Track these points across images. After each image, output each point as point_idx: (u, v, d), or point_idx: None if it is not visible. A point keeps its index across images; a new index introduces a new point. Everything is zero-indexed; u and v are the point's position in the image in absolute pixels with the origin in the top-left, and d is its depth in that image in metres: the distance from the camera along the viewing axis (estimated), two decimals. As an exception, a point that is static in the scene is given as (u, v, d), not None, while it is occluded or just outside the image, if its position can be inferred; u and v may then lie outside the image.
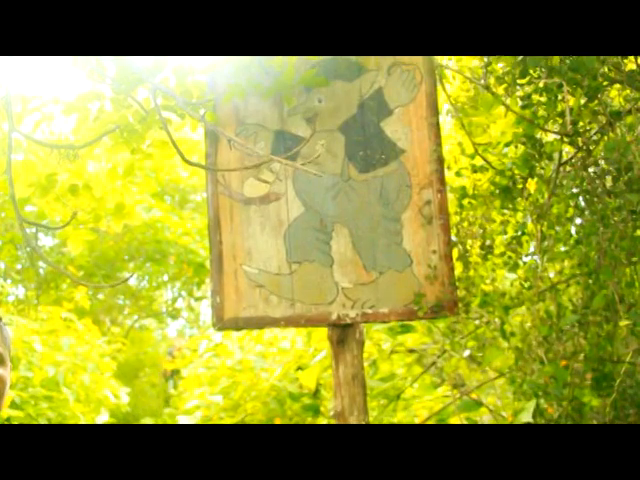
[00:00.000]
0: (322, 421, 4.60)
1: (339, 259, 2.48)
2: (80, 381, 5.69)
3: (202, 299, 12.69)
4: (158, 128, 2.37)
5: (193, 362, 6.86)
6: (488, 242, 2.81)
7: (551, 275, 3.16)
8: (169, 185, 11.43)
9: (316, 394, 4.67)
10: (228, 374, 5.22)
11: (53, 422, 5.38)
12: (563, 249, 3.00)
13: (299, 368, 4.73)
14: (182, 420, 5.39)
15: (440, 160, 2.64)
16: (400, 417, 4.47)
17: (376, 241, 2.51)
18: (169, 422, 7.95)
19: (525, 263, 3.04)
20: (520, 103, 2.59)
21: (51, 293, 10.95)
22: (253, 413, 4.88)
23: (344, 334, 2.46)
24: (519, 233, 2.98)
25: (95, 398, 5.94)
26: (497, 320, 3.12)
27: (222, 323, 2.39)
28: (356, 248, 2.49)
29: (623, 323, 2.49)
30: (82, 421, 5.61)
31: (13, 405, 4.58)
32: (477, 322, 3.16)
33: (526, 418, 2.59)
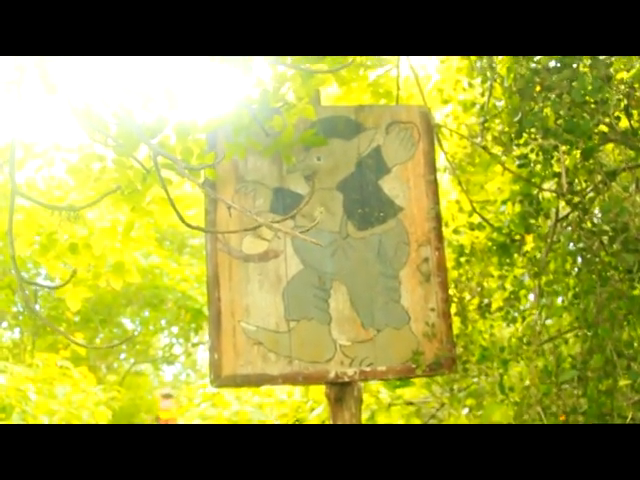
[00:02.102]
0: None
1: (337, 316, 2.48)
2: (74, 430, 5.62)
3: (199, 345, 12.62)
4: (159, 186, 2.39)
5: (189, 411, 6.79)
6: (486, 300, 2.82)
7: (549, 322, 3.16)
8: (168, 230, 11.47)
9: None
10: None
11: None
12: (561, 300, 3.01)
13: (296, 421, 4.68)
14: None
15: (438, 217, 2.66)
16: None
17: (374, 298, 2.52)
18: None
19: (524, 318, 3.05)
20: (517, 162, 2.63)
21: (47, 338, 10.88)
22: (249, 466, 4.80)
23: (342, 392, 2.45)
24: (517, 289, 2.99)
25: (89, 448, 5.86)
26: (496, 374, 3.10)
27: (220, 380, 2.38)
28: (354, 305, 2.50)
29: (623, 382, 2.49)
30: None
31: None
32: (475, 380, 3.14)
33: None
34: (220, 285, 2.45)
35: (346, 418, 2.45)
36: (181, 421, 7.44)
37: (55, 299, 10.23)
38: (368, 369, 2.45)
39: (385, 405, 3.99)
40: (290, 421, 4.68)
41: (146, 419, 12.05)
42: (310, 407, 4.40)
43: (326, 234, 2.54)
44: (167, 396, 11.53)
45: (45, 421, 5.23)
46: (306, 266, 2.50)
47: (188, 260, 10.86)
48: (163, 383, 14.46)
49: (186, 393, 9.63)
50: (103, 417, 6.43)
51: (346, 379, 2.43)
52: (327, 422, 4.40)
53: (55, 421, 5.45)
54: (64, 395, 5.75)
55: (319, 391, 4.12)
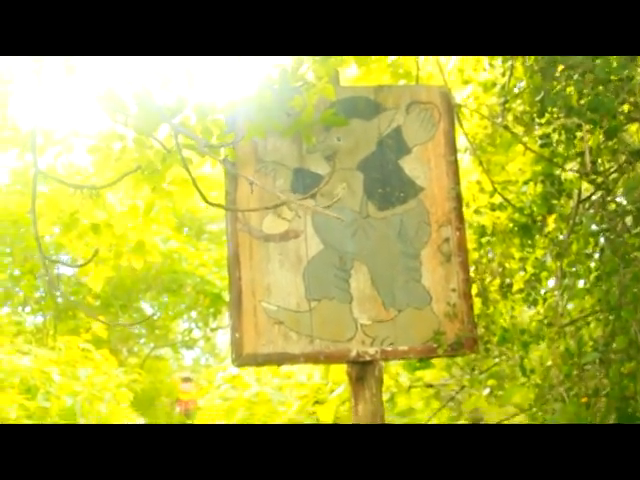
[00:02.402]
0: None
1: (358, 296, 2.48)
2: (97, 411, 5.70)
3: (218, 329, 12.69)
4: (179, 166, 2.40)
5: (209, 393, 6.85)
6: (507, 280, 2.80)
7: (570, 306, 3.14)
8: (186, 216, 11.52)
9: (333, 428, 4.63)
10: (245, 406, 5.19)
11: (69, 453, 5.38)
12: (582, 282, 2.98)
13: (316, 402, 4.69)
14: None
15: (458, 198, 2.65)
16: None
17: (395, 278, 2.52)
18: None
19: (545, 300, 3.02)
20: (539, 142, 2.60)
21: (68, 322, 11.01)
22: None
23: (363, 371, 2.46)
24: (538, 270, 2.96)
25: (111, 429, 5.94)
26: (517, 356, 3.09)
27: (241, 359, 2.40)
28: (375, 285, 2.50)
29: (646, 364, 2.47)
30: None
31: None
32: (497, 360, 3.13)
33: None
34: (241, 265, 2.46)
35: (367, 397, 2.46)
36: (202, 402, 7.50)
37: (76, 284, 10.34)
38: (389, 348, 2.46)
39: (405, 387, 3.99)
40: (310, 403, 4.70)
41: (166, 402, 12.16)
42: (330, 388, 4.41)
43: (347, 214, 2.54)
44: (186, 380, 11.64)
45: (69, 402, 5.31)
46: (326, 246, 2.51)
47: (206, 245, 10.91)
48: (182, 367, 14.57)
49: (205, 376, 9.70)
50: (125, 399, 6.51)
51: (367, 358, 2.44)
52: (348, 403, 4.42)
53: (78, 402, 5.52)
54: (87, 377, 5.82)
55: (339, 372, 4.14)
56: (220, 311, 10.98)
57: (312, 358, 2.45)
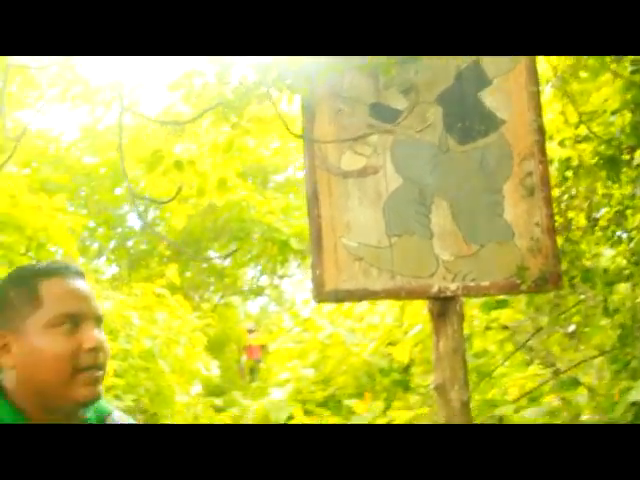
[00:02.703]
0: (411, 397, 4.59)
1: (439, 231, 2.45)
2: (174, 353, 5.91)
3: (285, 277, 12.90)
4: (256, 103, 2.39)
5: (280, 337, 7.00)
6: (592, 216, 2.71)
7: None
8: (252, 166, 11.60)
9: (406, 370, 4.67)
10: (318, 348, 5.28)
11: (151, 392, 5.62)
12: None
13: (390, 343, 4.73)
14: (275, 393, 5.51)
15: (541, 130, 2.55)
16: (492, 394, 4.41)
17: (476, 213, 2.47)
18: (257, 397, 8.16)
19: (631, 238, 2.92)
20: (630, 68, 2.46)
21: (141, 271, 11.38)
22: (343, 387, 4.93)
23: (444, 307, 2.44)
24: (624, 206, 2.86)
25: (188, 370, 6.16)
26: (599, 296, 3.01)
27: (322, 296, 2.42)
28: (456, 220, 2.46)
29: None
30: (177, 392, 5.83)
31: (115, 373, 4.81)
32: (582, 297, 3.06)
33: (635, 397, 2.50)
34: (320, 202, 2.45)
35: (449, 334, 2.45)
36: (273, 347, 7.69)
37: (148, 234, 10.63)
38: (471, 284, 2.42)
39: (481, 328, 3.97)
40: (383, 344, 4.74)
41: (234, 349, 12.48)
42: (404, 330, 4.43)
43: (426, 148, 2.49)
44: (252, 330, 11.93)
45: (148, 344, 5.51)
46: (406, 181, 2.47)
47: (272, 194, 10.99)
48: (249, 316, 14.91)
49: (275, 321, 9.91)
50: (199, 342, 6.73)
51: (449, 294, 2.42)
52: (420, 345, 4.44)
53: (157, 345, 5.73)
54: (163, 321, 6.03)
55: (414, 314, 4.15)
56: (287, 259, 11.13)
57: (393, 294, 2.45)
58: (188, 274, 11.75)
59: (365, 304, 5.32)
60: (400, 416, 3.60)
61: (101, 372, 1.55)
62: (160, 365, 5.56)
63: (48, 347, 1.48)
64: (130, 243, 11.85)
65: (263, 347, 10.81)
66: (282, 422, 5.17)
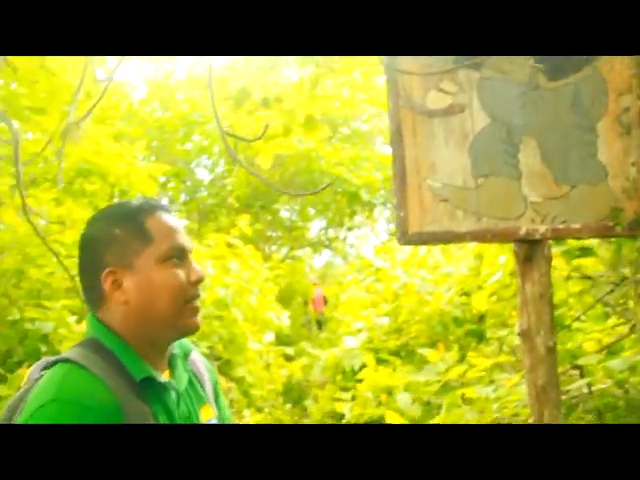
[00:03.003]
0: (484, 348, 4.54)
1: (527, 172, 2.36)
2: (247, 302, 6.02)
3: (353, 229, 12.87)
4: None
5: (351, 287, 7.03)
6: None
7: None
8: (321, 118, 11.50)
9: (481, 320, 4.62)
10: (390, 298, 5.28)
11: (224, 339, 5.76)
12: None
13: (464, 293, 4.68)
14: (348, 341, 5.56)
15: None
16: (569, 346, 4.32)
17: (568, 153, 2.36)
18: (325, 347, 8.27)
19: None
20: None
21: (210, 225, 11.59)
22: (417, 336, 4.92)
23: (532, 250, 2.37)
24: None
25: (261, 319, 6.28)
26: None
27: (406, 238, 2.38)
28: (546, 160, 2.36)
29: None
30: (250, 339, 5.96)
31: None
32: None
33: None
34: (404, 143, 2.40)
35: (535, 278, 2.38)
36: (344, 296, 7.74)
37: (218, 186, 10.79)
38: (561, 226, 2.34)
39: (562, 277, 3.86)
40: (458, 294, 4.69)
41: (301, 302, 12.62)
42: (481, 279, 4.36)
43: (514, 86, 2.38)
44: (315, 284, 12.03)
45: (221, 293, 5.63)
46: (494, 120, 2.38)
47: (341, 145, 10.91)
48: (314, 270, 15.01)
49: (347, 272, 9.93)
50: (271, 292, 6.84)
51: (537, 236, 2.34)
52: (496, 296, 4.36)
53: (229, 294, 5.85)
54: (236, 271, 6.14)
55: (493, 259, 4.07)
56: (355, 211, 11.09)
57: (479, 236, 2.38)
58: (256, 228, 11.90)
59: (439, 254, 5.27)
60: (480, 363, 3.56)
61: (199, 303, 1.60)
62: (233, 313, 5.68)
63: (163, 280, 1.51)
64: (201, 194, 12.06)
65: (326, 300, 10.92)
66: (355, 370, 5.23)
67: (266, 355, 6.27)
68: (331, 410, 6.32)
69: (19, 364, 3.99)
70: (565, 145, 2.36)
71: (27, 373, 1.67)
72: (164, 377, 1.58)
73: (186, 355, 1.72)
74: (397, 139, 2.40)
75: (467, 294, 4.63)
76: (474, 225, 2.35)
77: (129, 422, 1.43)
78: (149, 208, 1.62)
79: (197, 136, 10.99)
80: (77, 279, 3.23)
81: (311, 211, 12.63)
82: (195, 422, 1.63)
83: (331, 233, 13.76)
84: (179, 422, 1.57)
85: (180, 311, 1.52)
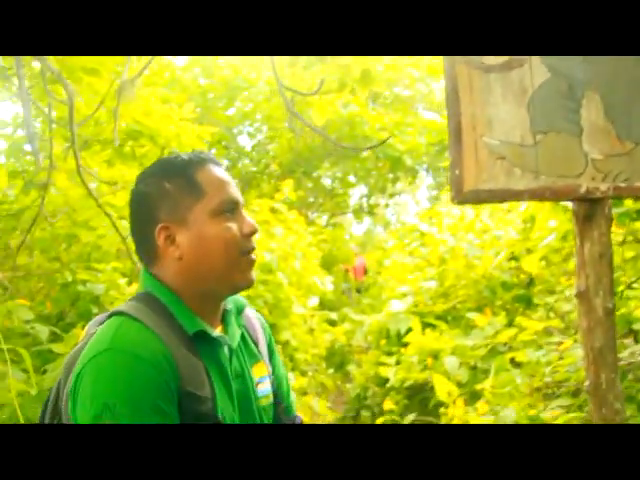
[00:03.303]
0: (532, 314, 4.48)
1: (589, 128, 2.28)
2: (292, 267, 6.05)
3: (395, 195, 12.77)
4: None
5: (395, 253, 6.99)
6: None
7: None
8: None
9: (529, 285, 4.55)
10: (436, 263, 5.23)
11: (269, 304, 5.80)
12: None
13: (513, 258, 4.61)
14: (394, 305, 5.55)
15: None
16: (622, 311, 4.23)
17: (632, 108, 2.27)
18: (368, 313, 8.29)
19: None
20: None
21: (252, 192, 11.63)
22: (464, 301, 4.88)
23: (592, 209, 2.30)
24: None
25: (305, 283, 6.31)
26: None
27: (461, 196, 2.33)
28: (608, 116, 2.27)
29: None
30: (295, 304, 6.00)
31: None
32: None
33: None
34: (460, 99, 2.33)
35: (595, 238, 2.32)
36: (388, 262, 7.71)
37: (261, 151, 10.80)
38: (623, 185, 2.26)
39: (616, 241, 3.75)
40: (507, 257, 4.61)
41: (341, 270, 12.64)
42: (531, 242, 4.28)
43: (577, 38, 2.29)
44: (355, 252, 12.00)
45: (267, 257, 5.66)
46: (554, 74, 2.30)
47: (385, 110, 10.77)
48: (353, 238, 14.99)
49: (385, 240, 9.89)
50: (314, 257, 6.85)
51: (598, 195, 2.27)
52: (543, 262, 4.28)
53: (274, 258, 5.87)
54: (281, 235, 6.16)
55: (543, 222, 3.99)
56: (399, 178, 10.98)
57: (537, 195, 2.32)
58: (298, 194, 11.90)
59: (488, 218, 5.19)
60: (531, 326, 3.52)
61: (255, 257, 1.58)
62: (278, 278, 5.71)
63: (217, 234, 1.51)
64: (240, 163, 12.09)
65: (366, 270, 10.91)
66: (401, 334, 5.23)
67: (310, 320, 6.31)
68: (375, 374, 6.35)
69: (71, 326, 4.08)
70: (629, 100, 2.27)
71: (84, 330, 1.70)
72: (220, 333, 1.59)
73: (240, 311, 1.72)
74: (453, 96, 2.34)
75: (516, 258, 4.56)
76: (532, 183, 2.28)
77: (182, 374, 1.44)
78: (199, 161, 1.60)
79: (239, 102, 10.98)
80: (129, 240, 3.27)
81: (352, 179, 12.56)
82: (247, 379, 1.64)
83: (372, 201, 13.68)
84: (231, 378, 1.57)
85: (234, 265, 1.51)
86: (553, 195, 2.32)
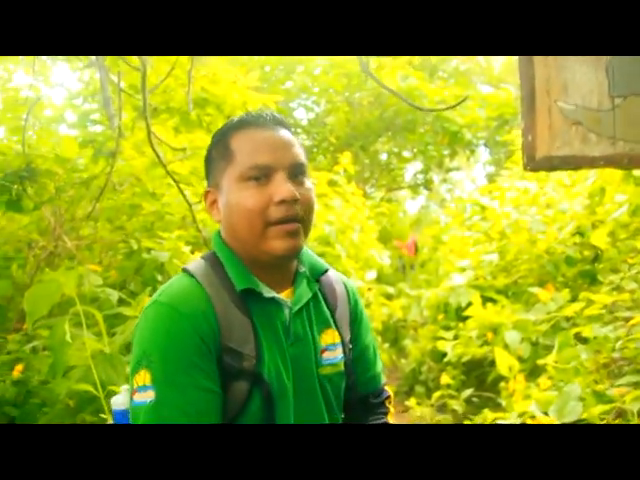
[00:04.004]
0: (598, 290, 4.37)
1: (671, 91, 2.18)
2: (350, 240, 6.04)
3: (452, 170, 12.56)
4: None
5: (452, 228, 6.92)
6: None
7: None
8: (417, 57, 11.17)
9: (595, 260, 4.43)
10: (497, 237, 5.15)
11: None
12: None
13: (578, 232, 4.49)
14: (455, 278, 5.49)
15: None
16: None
17: None
18: (423, 287, 8.24)
19: None
20: None
21: (309, 165, 11.64)
22: (525, 275, 4.79)
23: (671, 177, 2.22)
24: None
25: (363, 256, 6.30)
26: None
27: (534, 163, 2.28)
28: (692, 79, 2.18)
29: None
30: (353, 276, 6.00)
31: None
32: None
33: None
34: (534, 62, 2.27)
35: (673, 206, 2.24)
36: (446, 237, 7.64)
37: (319, 124, 10.78)
38: None
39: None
40: (570, 233, 4.50)
41: (395, 245, 12.57)
42: (599, 217, 4.16)
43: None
44: (412, 229, 11.88)
45: (326, 230, 5.67)
46: (635, 36, 2.21)
47: (442, 84, 10.61)
48: (407, 215, 14.85)
49: (446, 213, 9.77)
50: (372, 230, 6.83)
51: (679, 162, 2.19)
52: (617, 232, 4.16)
53: (332, 231, 5.87)
54: (339, 208, 6.15)
55: (610, 197, 3.88)
56: (457, 152, 10.81)
57: (614, 161, 2.25)
58: (355, 168, 11.84)
59: (552, 191, 5.06)
60: (599, 300, 3.44)
61: (297, 224, 1.49)
62: (337, 250, 5.71)
63: (240, 201, 1.48)
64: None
65: (417, 248, 10.83)
66: (462, 307, 5.18)
67: (367, 293, 6.31)
68: (431, 349, 6.32)
69: (135, 294, 4.18)
70: None
71: None
72: (275, 294, 1.57)
73: (315, 275, 1.70)
74: (526, 59, 2.28)
75: (581, 233, 4.44)
76: (608, 149, 2.21)
77: (223, 331, 1.45)
78: (238, 125, 1.56)
79: (296, 76, 10.97)
80: (194, 208, 3.30)
81: (407, 154, 12.43)
82: (310, 345, 1.60)
83: (428, 176, 13.53)
84: (285, 340, 1.55)
85: (260, 234, 1.47)
86: (631, 162, 2.24)
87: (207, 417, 1.41)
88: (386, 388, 1.83)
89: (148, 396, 1.38)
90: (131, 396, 1.43)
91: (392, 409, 1.80)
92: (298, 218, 1.48)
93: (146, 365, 1.39)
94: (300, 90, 10.73)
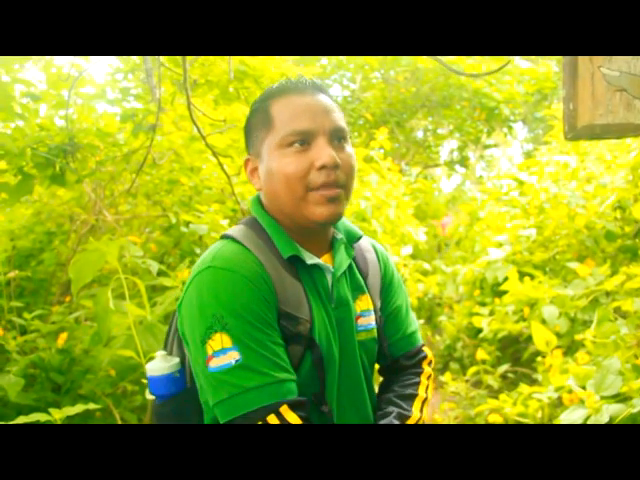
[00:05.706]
0: (636, 270, 4.30)
1: None
2: (386, 215, 6.02)
3: (490, 147, 12.40)
4: None
5: (490, 203, 6.84)
6: None
7: None
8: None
9: (636, 235, 4.35)
10: (535, 212, 5.08)
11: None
12: None
13: (618, 207, 4.41)
14: (492, 253, 5.46)
15: None
16: None
17: None
18: (459, 263, 8.19)
19: None
20: None
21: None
22: (564, 251, 4.73)
23: None
24: None
25: (399, 233, 6.28)
26: None
27: (575, 132, 2.23)
28: None
29: None
30: (389, 251, 6.01)
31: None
32: None
33: None
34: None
35: None
36: (482, 213, 7.56)
37: (355, 99, 10.71)
38: None
39: None
40: (610, 207, 4.42)
41: (430, 224, 12.49)
42: (635, 194, 4.08)
43: None
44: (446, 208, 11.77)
45: (362, 205, 5.66)
46: (683, 0, 2.15)
47: (481, 58, 10.42)
48: (442, 193, 14.70)
49: (481, 191, 9.66)
50: (408, 206, 6.80)
51: None
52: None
53: (369, 206, 5.86)
54: (375, 184, 6.12)
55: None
56: (494, 128, 10.64)
57: (659, 129, 2.20)
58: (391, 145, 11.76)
59: (592, 165, 4.97)
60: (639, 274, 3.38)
61: (338, 190, 1.49)
62: (373, 225, 5.71)
63: (280, 168, 1.48)
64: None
65: (452, 223, 10.74)
66: (498, 283, 5.15)
67: (403, 269, 6.30)
68: (466, 325, 6.31)
69: (173, 268, 4.24)
70: None
71: None
72: (318, 260, 1.59)
73: (351, 241, 1.72)
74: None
75: (622, 208, 4.36)
76: (654, 117, 2.16)
77: (279, 295, 1.47)
78: (277, 92, 1.56)
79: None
80: (232, 181, 3.32)
81: (442, 132, 12.30)
82: (351, 309, 1.63)
83: (464, 153, 13.37)
84: (329, 305, 1.58)
85: (300, 200, 1.48)
86: (677, 130, 2.19)
87: (287, 371, 1.42)
88: (425, 349, 1.82)
89: (231, 357, 1.38)
90: (205, 364, 1.40)
91: (429, 370, 1.79)
92: (339, 184, 1.48)
93: (221, 328, 1.38)
94: (336, 67, 10.67)
